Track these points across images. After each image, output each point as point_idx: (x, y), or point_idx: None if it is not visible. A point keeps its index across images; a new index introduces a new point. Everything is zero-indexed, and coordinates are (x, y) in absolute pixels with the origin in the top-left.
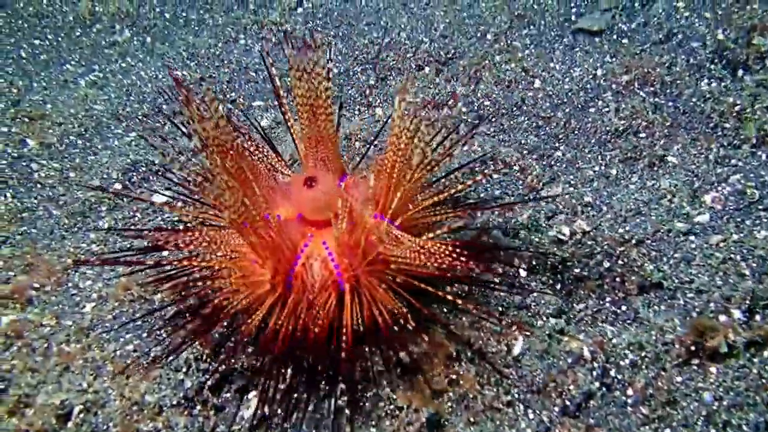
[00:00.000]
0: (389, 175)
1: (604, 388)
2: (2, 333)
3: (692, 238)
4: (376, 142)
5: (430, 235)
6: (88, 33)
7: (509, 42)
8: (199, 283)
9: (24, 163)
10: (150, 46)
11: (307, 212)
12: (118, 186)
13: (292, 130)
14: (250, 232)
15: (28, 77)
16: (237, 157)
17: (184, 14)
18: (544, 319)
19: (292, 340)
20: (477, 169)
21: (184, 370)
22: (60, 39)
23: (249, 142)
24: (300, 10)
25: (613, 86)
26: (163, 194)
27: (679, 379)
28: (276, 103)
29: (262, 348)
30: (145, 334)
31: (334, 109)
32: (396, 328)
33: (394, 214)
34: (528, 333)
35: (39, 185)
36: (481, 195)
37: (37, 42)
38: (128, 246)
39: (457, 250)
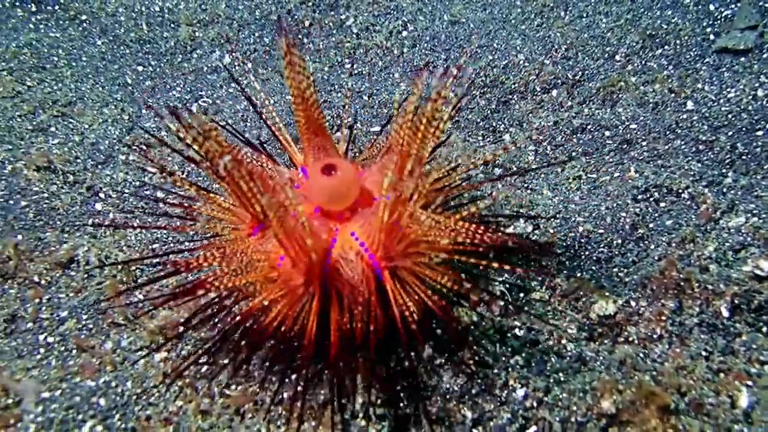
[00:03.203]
0: (405, 156)
1: None
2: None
3: None
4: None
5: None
6: (189, 59)
7: (643, 62)
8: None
9: (148, 192)
10: (252, 72)
11: (327, 202)
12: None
13: (278, 135)
14: (288, 234)
15: (137, 103)
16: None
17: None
18: (758, 366)
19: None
20: (639, 197)
21: (362, 415)
22: (162, 65)
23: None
24: (405, 33)
25: None
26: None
27: None
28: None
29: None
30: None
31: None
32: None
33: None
34: (749, 383)
35: (167, 215)
36: (650, 225)
37: (140, 68)
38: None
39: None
